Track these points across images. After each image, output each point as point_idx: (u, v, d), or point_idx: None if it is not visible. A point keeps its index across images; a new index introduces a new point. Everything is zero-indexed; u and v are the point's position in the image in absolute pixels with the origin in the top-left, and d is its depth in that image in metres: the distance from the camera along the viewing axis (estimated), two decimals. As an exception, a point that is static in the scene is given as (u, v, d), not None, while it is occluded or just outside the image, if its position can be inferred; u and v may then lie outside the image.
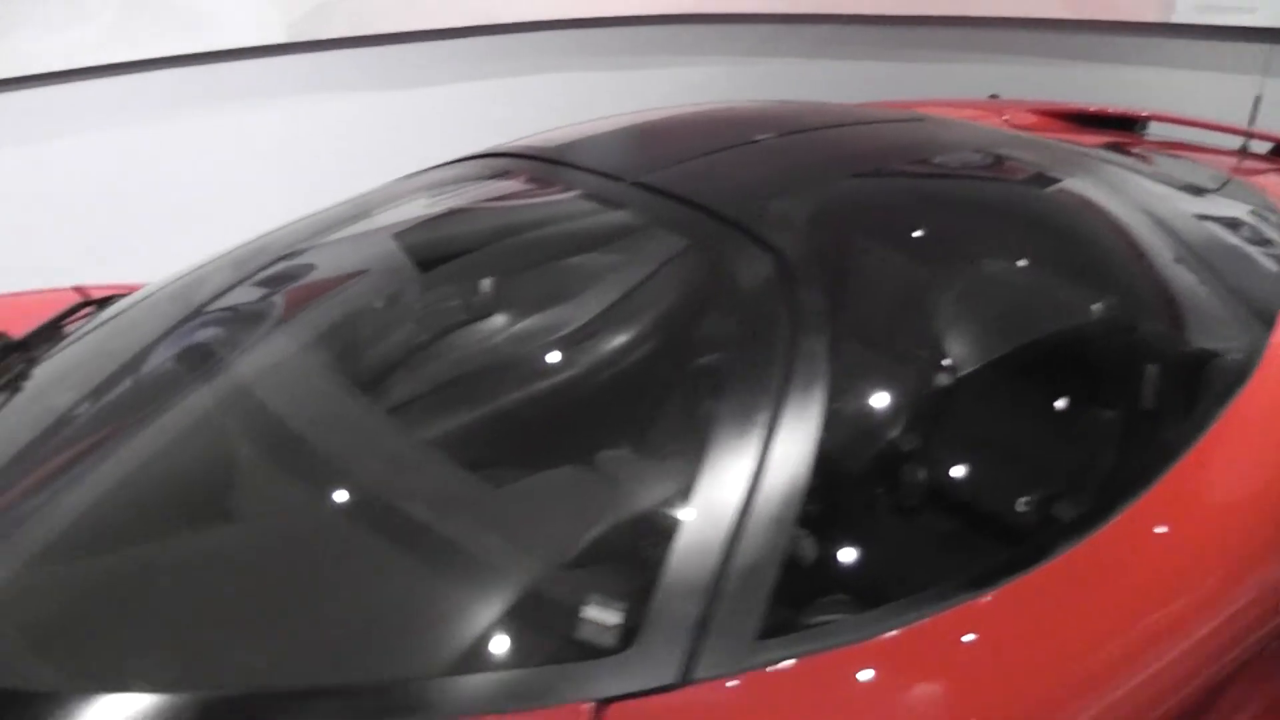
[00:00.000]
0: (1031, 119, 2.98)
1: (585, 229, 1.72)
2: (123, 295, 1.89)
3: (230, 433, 1.48)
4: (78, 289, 1.99)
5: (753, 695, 1.17)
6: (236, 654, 1.22)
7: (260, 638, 1.24)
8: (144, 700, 1.12)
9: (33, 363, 1.67)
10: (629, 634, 1.18)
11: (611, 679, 1.15)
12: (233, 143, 3.80)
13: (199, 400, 1.52)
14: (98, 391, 1.58)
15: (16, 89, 3.27)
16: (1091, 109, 3.05)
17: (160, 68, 3.54)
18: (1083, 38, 4.41)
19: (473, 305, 1.67)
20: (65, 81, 3.34)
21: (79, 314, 1.83)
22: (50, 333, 1.76)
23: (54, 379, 1.63)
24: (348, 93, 4.04)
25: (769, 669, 1.18)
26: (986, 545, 1.41)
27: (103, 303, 1.88)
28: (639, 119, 2.04)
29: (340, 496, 1.37)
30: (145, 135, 3.61)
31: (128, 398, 1.58)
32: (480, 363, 1.55)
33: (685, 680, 1.16)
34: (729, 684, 1.17)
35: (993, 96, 3.32)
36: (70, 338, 1.74)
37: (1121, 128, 2.98)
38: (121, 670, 1.20)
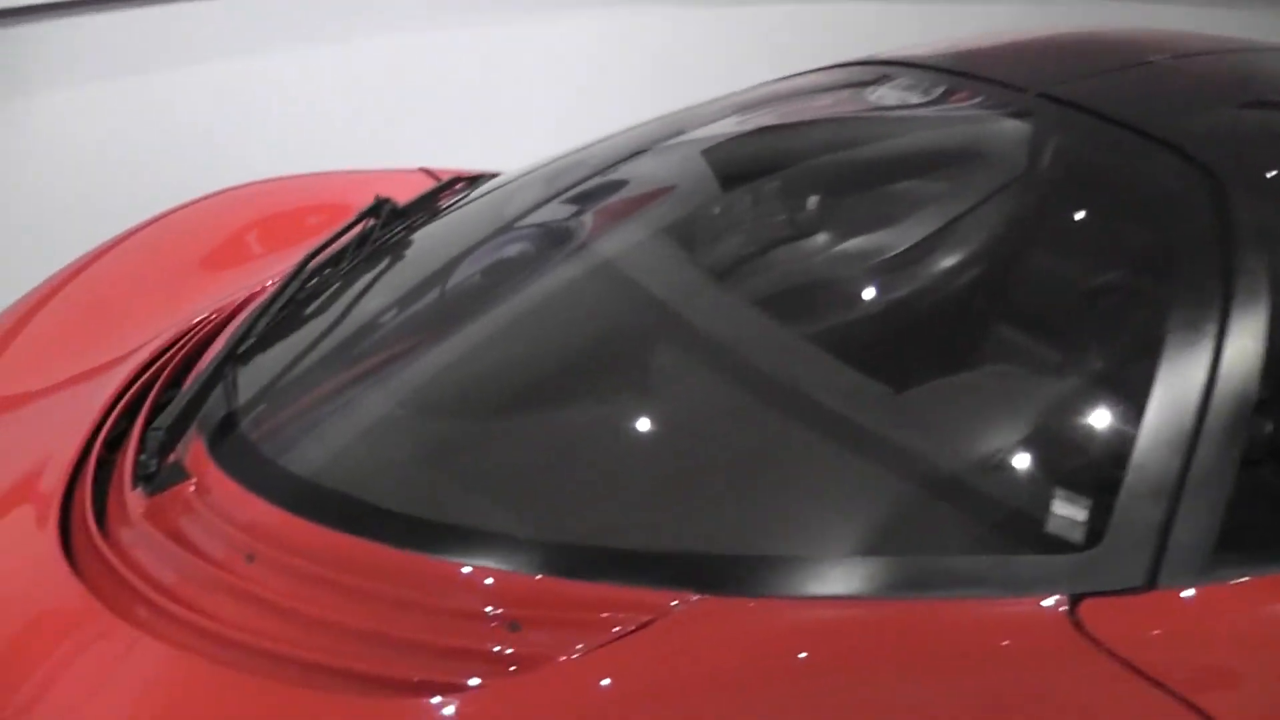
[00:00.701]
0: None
1: (988, 136, 1.73)
2: (488, 176, 2.01)
3: (619, 307, 1.56)
4: (424, 170, 2.13)
5: (1215, 607, 1.19)
6: (690, 518, 1.28)
7: (722, 507, 1.30)
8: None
9: (412, 229, 1.80)
10: (1096, 533, 1.20)
11: (1083, 575, 1.17)
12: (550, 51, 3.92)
13: (577, 269, 1.62)
14: (475, 258, 1.70)
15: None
16: None
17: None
18: None
19: (878, 207, 1.69)
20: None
21: (452, 189, 1.96)
22: (428, 204, 1.89)
23: (437, 243, 1.75)
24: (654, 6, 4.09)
25: (1230, 583, 1.19)
26: None
27: (473, 181, 2.00)
28: (1015, 35, 2.02)
29: (780, 388, 1.42)
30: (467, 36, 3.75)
31: (506, 265, 1.69)
32: (897, 263, 1.57)
33: (1151, 584, 1.17)
34: (1192, 593, 1.18)
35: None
36: (447, 209, 1.87)
37: None
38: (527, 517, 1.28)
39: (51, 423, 1.56)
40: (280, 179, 2.18)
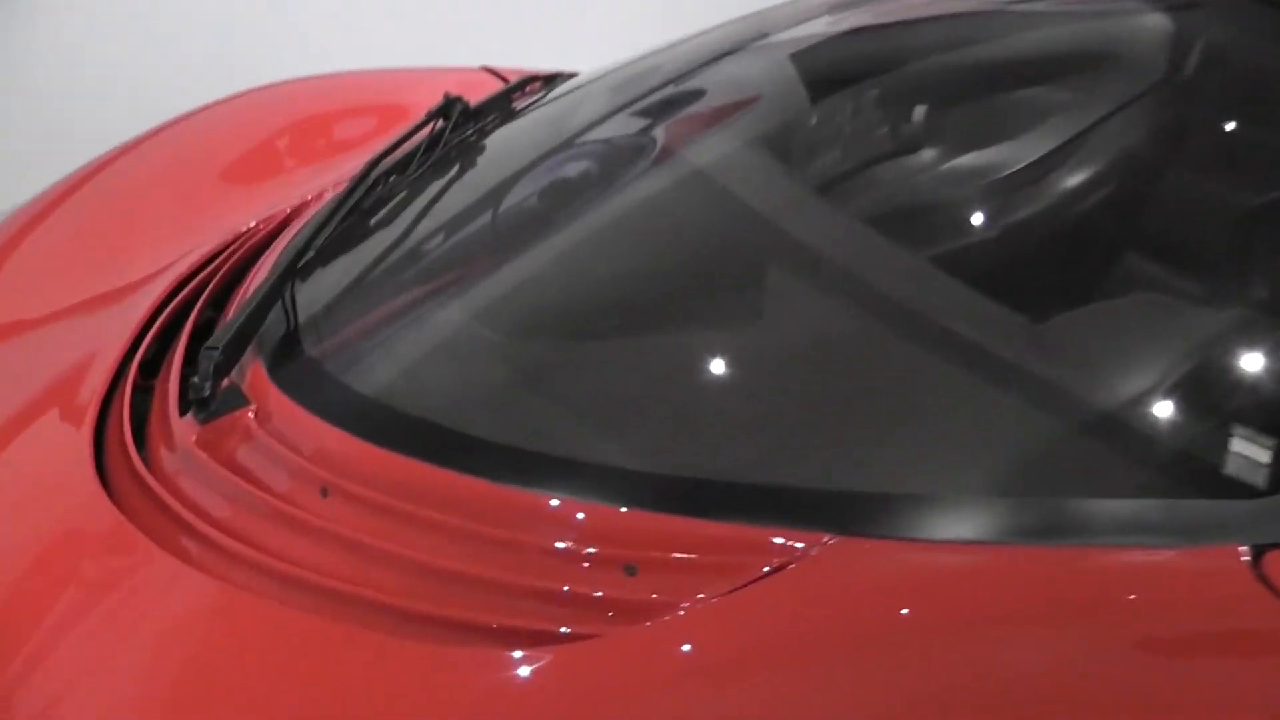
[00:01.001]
0: None
1: (1147, 31, 1.62)
2: (564, 76, 1.93)
3: (746, 221, 1.46)
4: (487, 69, 2.05)
5: None
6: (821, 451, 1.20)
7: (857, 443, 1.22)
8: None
9: (485, 132, 1.72)
10: (1278, 477, 1.11)
11: (1267, 523, 1.08)
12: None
13: (686, 177, 1.53)
14: (566, 162, 1.62)
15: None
16: None
17: None
18: None
19: (1024, 115, 1.57)
20: None
21: (527, 89, 1.88)
22: (502, 104, 1.80)
23: (519, 147, 1.68)
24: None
25: None
26: None
27: (548, 81, 1.91)
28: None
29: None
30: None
31: (601, 171, 1.61)
32: (1052, 178, 1.47)
33: None
34: None
35: None
36: (524, 110, 1.79)
37: None
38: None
39: (74, 345, 1.47)
40: (317, 77, 2.08)
